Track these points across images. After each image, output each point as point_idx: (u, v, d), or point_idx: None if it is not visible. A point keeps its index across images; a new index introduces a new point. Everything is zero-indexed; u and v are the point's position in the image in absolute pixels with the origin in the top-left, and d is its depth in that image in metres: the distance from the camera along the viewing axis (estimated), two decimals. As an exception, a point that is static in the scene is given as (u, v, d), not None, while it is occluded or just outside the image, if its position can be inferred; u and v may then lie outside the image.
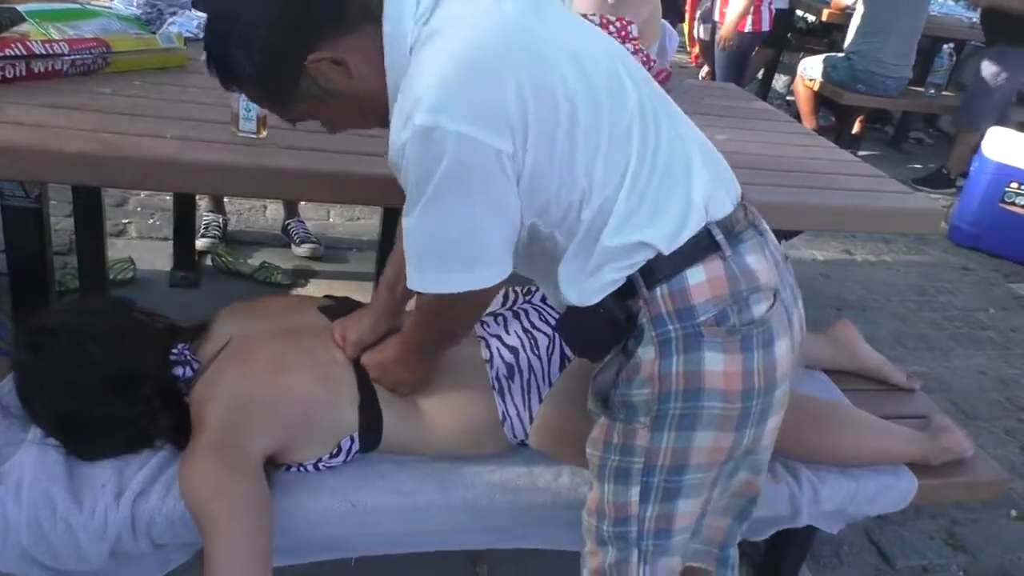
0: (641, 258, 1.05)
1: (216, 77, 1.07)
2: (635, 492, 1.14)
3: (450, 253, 1.04)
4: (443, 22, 1.00)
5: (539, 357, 1.41)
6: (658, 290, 1.05)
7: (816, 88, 5.03)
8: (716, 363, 1.06)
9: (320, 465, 1.33)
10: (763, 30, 4.88)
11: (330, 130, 1.17)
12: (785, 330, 1.11)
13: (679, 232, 1.05)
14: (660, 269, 1.05)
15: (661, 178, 1.06)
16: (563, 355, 1.41)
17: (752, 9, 4.66)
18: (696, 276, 1.05)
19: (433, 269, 1.06)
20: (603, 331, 1.09)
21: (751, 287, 1.07)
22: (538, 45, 1.01)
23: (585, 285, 1.07)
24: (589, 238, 1.05)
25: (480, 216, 1.01)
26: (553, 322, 1.46)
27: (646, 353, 1.06)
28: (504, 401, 1.38)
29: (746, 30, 4.74)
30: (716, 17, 4.86)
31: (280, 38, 1.01)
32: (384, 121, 1.07)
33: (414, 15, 1.01)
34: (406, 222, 1.05)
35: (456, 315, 1.19)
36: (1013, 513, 2.35)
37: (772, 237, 1.17)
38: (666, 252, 1.04)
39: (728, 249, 1.07)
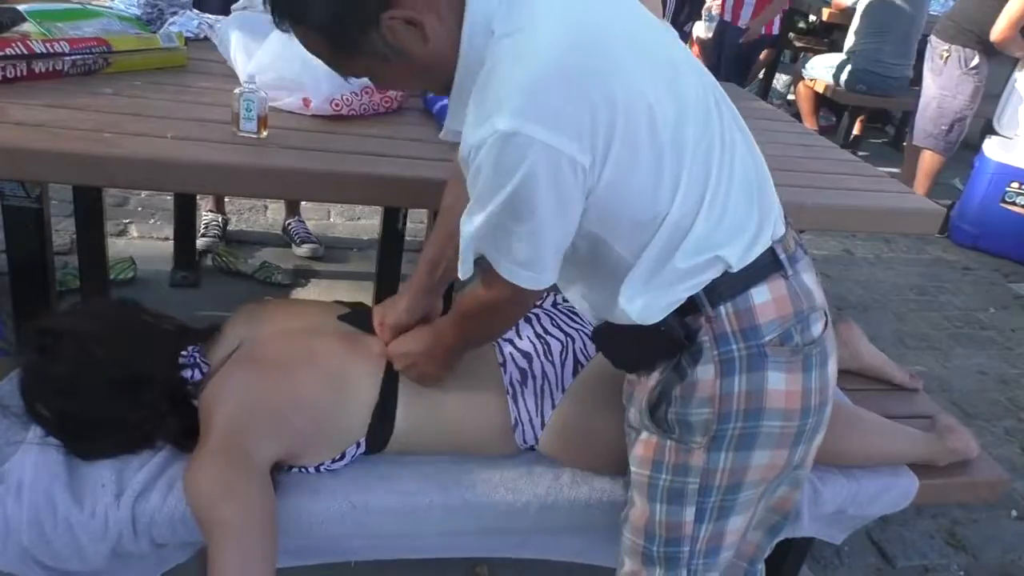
0: (711, 275, 1.03)
1: (277, 16, 0.98)
2: (690, 512, 1.13)
3: (512, 251, 1.00)
4: (527, 15, 0.95)
5: (552, 363, 1.40)
6: (722, 308, 1.04)
7: (819, 89, 5.03)
8: (779, 383, 1.06)
9: (321, 468, 1.33)
10: (774, 33, 4.89)
11: (380, 88, 1.12)
12: (834, 348, 1.13)
13: (750, 249, 1.04)
14: (726, 287, 1.04)
15: (737, 195, 1.05)
16: (576, 361, 1.41)
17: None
18: (761, 295, 1.05)
19: (504, 260, 1.02)
20: (657, 348, 1.08)
21: (810, 306, 1.08)
22: (627, 53, 0.98)
23: (650, 301, 1.05)
24: (662, 254, 1.03)
25: (546, 222, 0.97)
26: (566, 327, 1.45)
27: (705, 372, 1.05)
28: (517, 406, 1.38)
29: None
30: (729, 17, 4.82)
31: None
32: (444, 89, 1.04)
33: None
34: (471, 220, 1.00)
35: (496, 316, 1.17)
36: (1014, 513, 2.36)
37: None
38: (735, 269, 1.03)
39: (789, 268, 1.07)
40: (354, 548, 1.38)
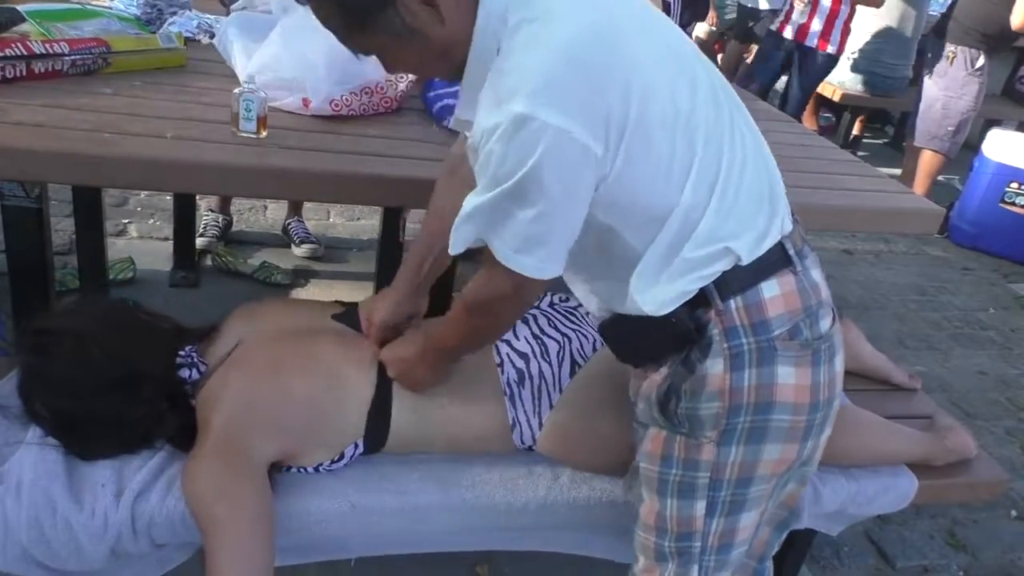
0: (720, 267, 1.03)
1: None
2: (701, 507, 1.13)
3: (515, 236, 0.99)
4: (545, 7, 0.96)
5: (550, 363, 1.40)
6: (732, 302, 1.04)
7: (819, 89, 5.01)
8: (788, 377, 1.06)
9: (321, 468, 1.33)
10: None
11: (389, 69, 1.09)
12: (841, 344, 1.14)
13: (760, 243, 1.05)
14: (736, 281, 1.04)
15: (748, 188, 1.05)
16: (573, 361, 1.41)
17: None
18: (771, 290, 1.05)
19: (504, 246, 1.01)
20: (666, 341, 1.08)
21: (818, 302, 1.09)
22: (641, 43, 0.99)
23: (660, 292, 1.05)
24: (673, 244, 1.03)
25: (554, 209, 0.97)
26: (563, 328, 1.45)
27: (714, 366, 1.05)
28: (515, 407, 1.38)
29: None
30: (814, 43, 4.22)
31: None
32: (455, 76, 1.04)
33: None
34: (476, 201, 0.99)
35: (495, 313, 1.16)
36: (1013, 513, 2.35)
37: None
38: (746, 262, 1.03)
39: (799, 264, 1.07)
40: (354, 546, 1.38)
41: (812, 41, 4.20)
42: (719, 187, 1.02)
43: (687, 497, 1.13)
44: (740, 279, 1.04)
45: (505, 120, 0.92)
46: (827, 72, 4.43)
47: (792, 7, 4.26)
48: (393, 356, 1.34)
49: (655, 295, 1.05)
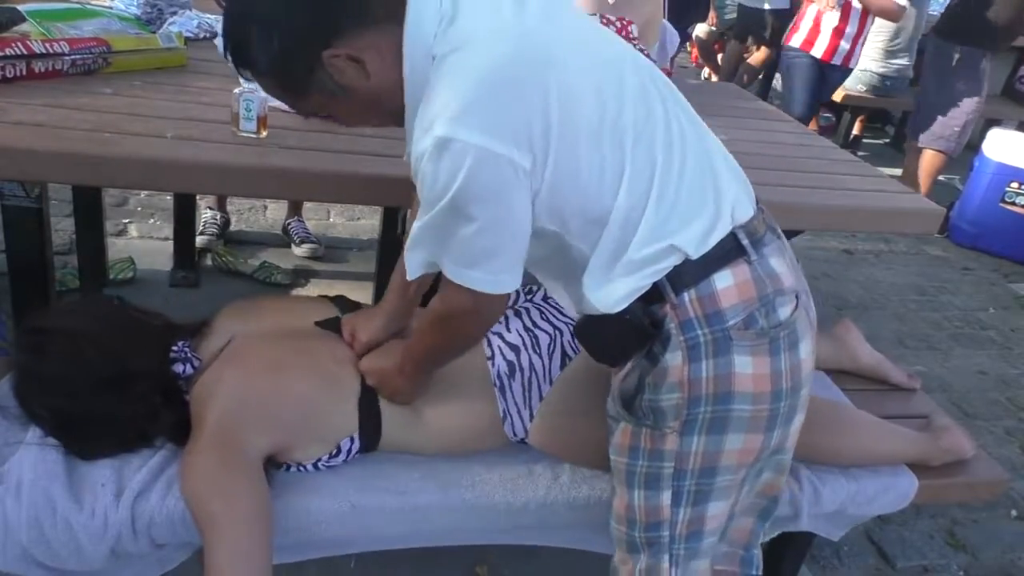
0: (669, 263, 1.05)
1: (231, 64, 1.06)
2: (666, 496, 1.14)
3: (464, 256, 1.03)
4: (464, 35, 0.99)
5: (540, 356, 1.41)
6: (686, 295, 1.05)
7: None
8: (745, 366, 1.07)
9: (320, 465, 1.33)
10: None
11: (343, 124, 1.15)
12: (807, 331, 1.13)
13: (707, 237, 1.05)
14: (687, 274, 1.05)
15: (690, 184, 1.06)
16: (564, 354, 1.41)
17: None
18: (724, 280, 1.06)
19: (451, 263, 1.05)
20: (628, 337, 1.09)
21: (776, 290, 1.08)
22: (561, 54, 1.01)
23: (611, 291, 1.07)
24: (618, 246, 1.05)
25: (492, 224, 1.00)
26: (555, 321, 1.46)
27: (673, 358, 1.06)
28: (505, 399, 1.38)
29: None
30: (839, 60, 4.11)
31: (298, 30, 1.00)
32: (398, 121, 1.07)
33: (436, 20, 1.00)
34: (419, 224, 1.04)
35: (456, 328, 1.18)
36: (1013, 513, 2.36)
37: (786, 240, 1.18)
38: (694, 257, 1.04)
39: (753, 253, 1.08)
40: (354, 546, 1.38)
41: (838, 59, 4.13)
42: (656, 187, 1.04)
43: (653, 487, 1.14)
44: (692, 272, 1.05)
45: (430, 144, 0.95)
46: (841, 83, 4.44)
47: (818, 29, 4.09)
48: (372, 367, 1.35)
49: (607, 293, 1.07)
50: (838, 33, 4.04)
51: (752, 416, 1.09)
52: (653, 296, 1.06)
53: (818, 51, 4.12)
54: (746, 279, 1.07)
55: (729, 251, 1.07)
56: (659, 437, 1.11)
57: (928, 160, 4.30)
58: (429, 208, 1.00)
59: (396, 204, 2.06)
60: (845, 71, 4.24)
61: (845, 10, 4.00)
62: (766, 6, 5.38)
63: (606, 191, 1.03)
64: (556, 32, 1.05)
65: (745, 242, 1.07)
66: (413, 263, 1.09)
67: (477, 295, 1.06)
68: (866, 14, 4.03)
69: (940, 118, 4.20)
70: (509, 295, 1.09)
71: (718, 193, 1.09)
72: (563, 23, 1.08)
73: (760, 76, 5.99)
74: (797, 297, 1.12)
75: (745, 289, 1.06)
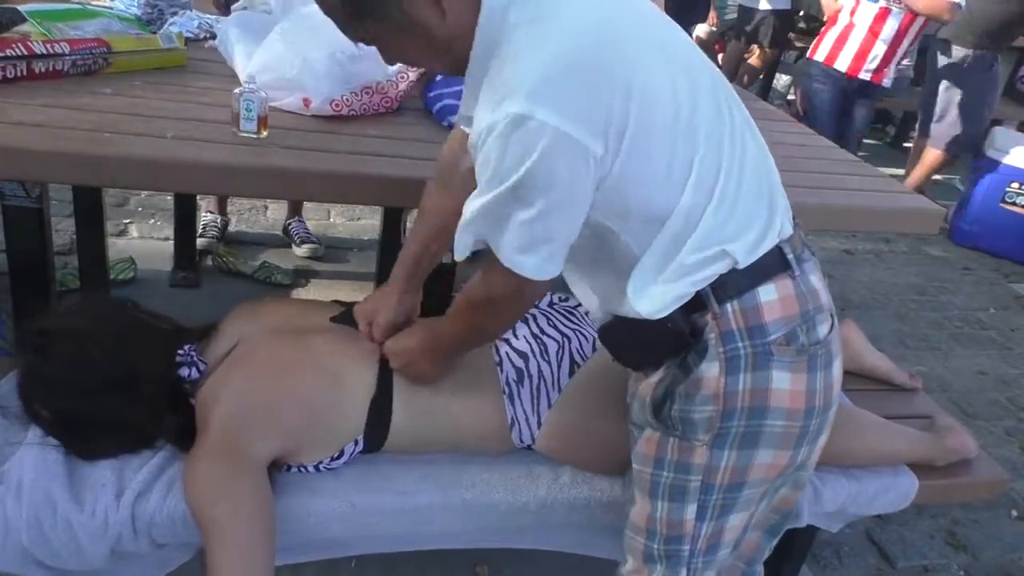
0: (717, 270, 1.03)
1: None
2: (691, 510, 1.13)
3: (515, 237, 0.99)
4: (547, 7, 0.96)
5: (548, 363, 1.40)
6: (728, 306, 1.04)
7: None
8: (783, 382, 1.05)
9: (321, 467, 1.33)
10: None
11: (388, 60, 1.09)
12: (839, 350, 1.13)
13: (757, 247, 1.04)
14: (732, 284, 1.04)
15: (748, 190, 1.05)
16: (572, 361, 1.41)
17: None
18: (768, 294, 1.05)
19: (507, 248, 1.01)
20: (663, 344, 1.07)
21: (816, 307, 1.08)
22: (643, 46, 0.99)
23: (658, 296, 1.04)
24: (672, 246, 1.03)
25: (553, 209, 0.96)
26: (562, 327, 1.45)
27: (709, 369, 1.05)
28: (513, 406, 1.38)
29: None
30: (868, 76, 3.77)
31: None
32: (456, 69, 1.04)
33: None
34: (476, 204, 1.00)
35: (496, 312, 1.16)
36: (1014, 513, 2.35)
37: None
38: (742, 266, 1.03)
39: (797, 268, 1.07)
40: (355, 546, 1.38)
41: (866, 74, 3.79)
42: (719, 188, 1.02)
43: (678, 500, 1.13)
44: (737, 283, 1.04)
45: (502, 120, 0.91)
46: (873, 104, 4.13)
47: (845, 38, 3.74)
48: (398, 347, 1.34)
49: (651, 298, 1.05)
50: (868, 43, 3.66)
51: (784, 432, 1.08)
52: (695, 305, 1.04)
53: (843, 64, 3.74)
54: (789, 294, 1.06)
55: (774, 264, 1.05)
56: (687, 449, 1.09)
57: (930, 157, 4.29)
58: (489, 188, 0.96)
59: (396, 204, 2.06)
60: (876, 88, 3.81)
61: (879, 17, 3.59)
62: (765, 6, 5.39)
63: (673, 188, 1.00)
64: (637, 21, 1.02)
65: (790, 256, 1.06)
66: (463, 242, 1.04)
67: (523, 280, 1.03)
68: (907, 24, 3.61)
69: (951, 121, 4.18)
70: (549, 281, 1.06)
71: (772, 203, 1.08)
72: (640, 7, 1.05)
73: (761, 76, 6.00)
74: (832, 315, 1.11)
75: (788, 304, 1.05)
